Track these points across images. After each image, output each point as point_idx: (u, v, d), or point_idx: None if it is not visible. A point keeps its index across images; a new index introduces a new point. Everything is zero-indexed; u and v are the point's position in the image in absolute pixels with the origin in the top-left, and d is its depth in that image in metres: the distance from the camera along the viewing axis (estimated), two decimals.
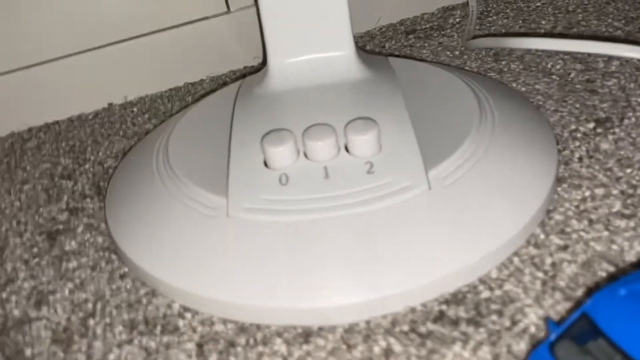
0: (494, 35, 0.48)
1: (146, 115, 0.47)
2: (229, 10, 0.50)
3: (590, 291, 0.28)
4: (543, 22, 0.51)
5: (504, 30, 0.51)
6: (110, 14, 0.47)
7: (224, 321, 0.29)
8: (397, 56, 0.48)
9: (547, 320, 0.24)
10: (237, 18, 0.50)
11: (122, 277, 0.33)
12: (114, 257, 0.34)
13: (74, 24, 0.47)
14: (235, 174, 0.31)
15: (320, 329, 0.28)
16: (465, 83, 0.37)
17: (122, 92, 0.50)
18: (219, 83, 0.50)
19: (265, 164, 0.32)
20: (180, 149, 0.35)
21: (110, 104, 0.49)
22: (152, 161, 0.35)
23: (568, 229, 0.31)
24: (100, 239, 0.35)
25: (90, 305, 0.32)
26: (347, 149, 0.32)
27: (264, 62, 0.39)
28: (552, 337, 0.23)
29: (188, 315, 0.30)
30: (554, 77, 0.43)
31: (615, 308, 0.23)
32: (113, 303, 0.31)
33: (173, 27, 0.49)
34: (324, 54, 0.36)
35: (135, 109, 0.48)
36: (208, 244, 0.30)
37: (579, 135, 0.37)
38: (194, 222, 0.31)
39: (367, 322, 0.28)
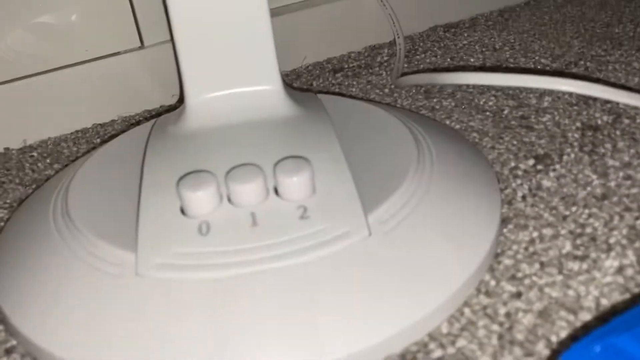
0: (424, 71, 0.46)
1: (47, 160, 0.42)
2: (142, 46, 0.46)
3: (549, 343, 0.25)
4: (472, 59, 0.50)
5: (432, 68, 0.49)
6: (6, 48, 0.42)
7: None
8: (327, 93, 0.46)
9: None
10: (151, 54, 0.46)
11: (9, 352, 0.27)
12: None
13: None
14: (145, 223, 0.27)
15: None
16: (399, 120, 0.35)
17: (21, 135, 0.44)
18: (131, 123, 0.45)
19: (182, 212, 0.28)
20: (82, 196, 0.30)
21: (6, 149, 0.44)
22: (48, 212, 0.30)
23: (519, 274, 0.29)
24: None
25: None
26: (276, 192, 0.28)
27: (182, 99, 0.35)
28: None
29: None
30: (487, 113, 0.42)
31: None
32: None
33: (80, 63, 0.44)
34: (247, 89, 0.33)
35: (35, 154, 0.43)
36: (113, 309, 0.25)
37: (519, 172, 0.35)
38: (96, 283, 0.26)
39: None
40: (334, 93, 0.47)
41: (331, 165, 0.29)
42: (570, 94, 0.42)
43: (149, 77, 0.46)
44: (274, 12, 0.50)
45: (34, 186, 0.40)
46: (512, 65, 0.48)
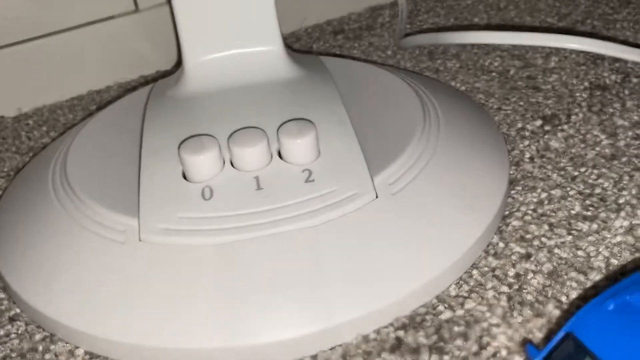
0: (428, 31, 0.45)
1: (44, 128, 0.41)
2: (137, 9, 0.45)
3: (560, 304, 0.25)
4: (476, 19, 0.49)
5: (436, 25, 0.48)
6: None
7: None
8: (329, 55, 0.45)
9: (526, 345, 0.21)
10: (146, 17, 0.44)
11: (13, 320, 0.27)
12: (1, 295, 0.28)
13: None
14: (147, 189, 0.26)
15: None
16: (405, 81, 0.34)
17: (15, 103, 0.43)
18: (127, 89, 0.44)
19: (184, 176, 0.27)
20: (81, 163, 0.30)
21: (1, 117, 0.43)
22: (47, 179, 0.30)
23: (528, 236, 0.28)
24: None
25: None
26: (280, 156, 0.27)
27: (179, 63, 0.34)
28: None
29: None
30: (493, 74, 0.41)
31: (603, 325, 0.20)
32: (1, 353, 0.26)
33: (74, 27, 0.43)
34: (247, 50, 0.32)
35: (30, 122, 0.42)
36: (117, 276, 0.25)
37: (527, 133, 0.35)
38: (99, 249, 0.25)
39: (314, 358, 0.24)
40: (336, 55, 0.46)
41: (336, 127, 0.29)
42: (578, 54, 0.41)
43: (145, 42, 0.44)
44: None
45: (30, 154, 0.39)
46: (517, 25, 0.47)
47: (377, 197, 0.26)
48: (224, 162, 0.27)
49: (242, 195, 0.26)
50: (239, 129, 0.28)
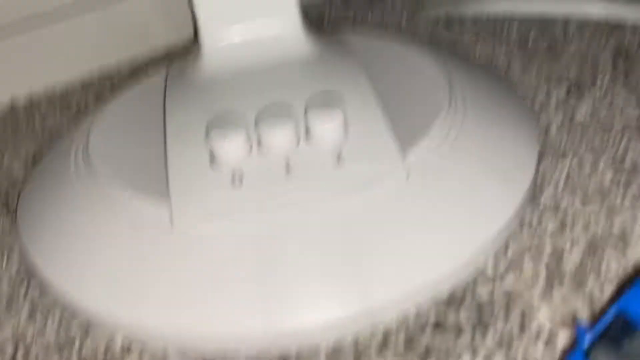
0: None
1: (57, 111, 0.41)
2: None
3: (599, 278, 0.25)
4: None
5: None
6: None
7: (182, 355, 0.24)
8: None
9: (575, 323, 0.20)
10: None
11: (46, 311, 0.27)
12: (33, 285, 0.28)
13: None
14: (176, 176, 0.26)
15: (300, 353, 0.23)
16: (430, 58, 0.33)
17: (27, 86, 0.43)
18: (137, 68, 0.43)
19: (212, 160, 0.27)
20: (105, 149, 0.29)
21: (14, 99, 0.42)
22: (69, 166, 0.29)
23: (563, 205, 0.28)
24: (14, 266, 0.29)
25: (9, 352, 0.25)
26: (309, 133, 0.27)
27: (195, 41, 0.34)
28: (586, 343, 0.19)
29: (135, 351, 0.25)
30: (512, 44, 0.40)
31: None
32: (38, 345, 0.25)
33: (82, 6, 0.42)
34: (266, 29, 0.31)
35: (43, 103, 0.41)
36: (154, 264, 0.24)
37: (552, 102, 0.34)
38: (132, 238, 0.25)
39: (355, 340, 0.24)
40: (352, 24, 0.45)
41: (363, 105, 0.28)
42: (598, 18, 0.40)
43: (157, 19, 0.43)
44: None
45: (46, 139, 0.38)
46: None
47: (408, 175, 0.26)
48: (251, 145, 0.27)
49: (272, 180, 0.25)
50: (265, 106, 0.27)
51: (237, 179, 0.26)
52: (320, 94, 0.28)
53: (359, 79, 0.29)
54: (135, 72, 0.43)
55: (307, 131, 0.27)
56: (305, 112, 0.27)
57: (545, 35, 0.40)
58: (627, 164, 0.30)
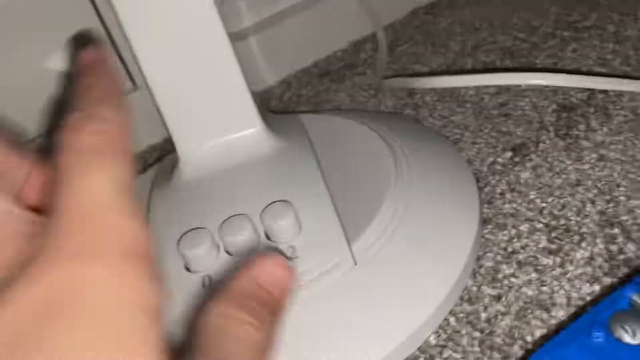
0: (403, 76, 0.48)
1: None
2: (136, 88, 0.49)
3: (525, 343, 0.28)
4: (452, 43, 0.51)
5: (414, 59, 0.51)
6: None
7: None
8: (308, 110, 0.48)
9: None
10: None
11: None
12: None
13: None
14: None
15: None
16: (378, 134, 0.37)
17: None
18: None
19: (187, 268, 0.31)
20: None
21: None
22: None
23: (499, 276, 0.31)
24: None
25: None
26: (267, 236, 0.31)
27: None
28: None
29: None
30: (468, 105, 0.43)
31: None
32: None
33: None
34: (232, 135, 0.35)
35: None
36: None
37: (498, 167, 0.38)
38: None
39: None
40: (317, 104, 0.49)
41: (315, 201, 0.32)
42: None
43: (143, 120, 0.48)
44: (260, 26, 0.52)
45: None
46: (490, 46, 0.49)
47: (355, 263, 0.30)
48: (218, 249, 0.31)
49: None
50: (228, 218, 0.31)
51: (206, 282, 0.30)
52: (276, 200, 0.32)
53: (313, 177, 0.33)
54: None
55: (265, 231, 0.31)
56: (262, 215, 0.31)
57: (500, 93, 0.43)
58: (560, 228, 0.33)
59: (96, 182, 0.18)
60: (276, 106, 0.51)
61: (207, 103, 0.35)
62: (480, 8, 0.55)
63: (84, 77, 0.23)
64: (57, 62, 0.45)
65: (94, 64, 0.24)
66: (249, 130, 0.35)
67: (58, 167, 0.19)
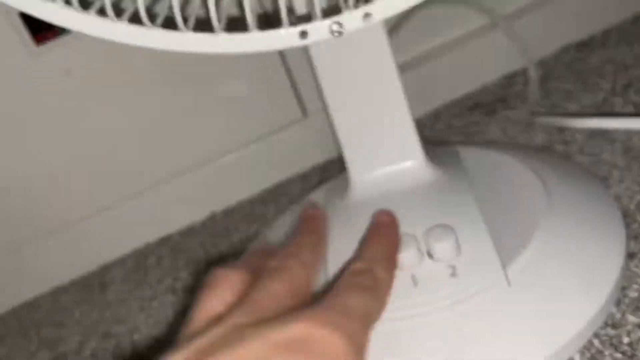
0: (556, 115, 0.51)
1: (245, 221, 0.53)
2: (305, 115, 0.56)
3: None
4: (603, 81, 0.53)
5: (565, 96, 0.53)
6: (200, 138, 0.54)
7: None
8: (459, 141, 0.52)
9: None
10: (313, 122, 0.55)
11: None
12: None
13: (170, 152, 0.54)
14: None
15: None
16: (530, 168, 0.41)
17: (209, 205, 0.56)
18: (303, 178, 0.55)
19: None
20: None
21: (212, 212, 0.56)
22: None
23: None
24: None
25: None
26: (429, 254, 0.36)
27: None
28: None
29: None
30: (617, 144, 0.46)
31: None
32: None
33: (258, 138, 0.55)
34: (398, 164, 0.41)
35: (235, 216, 0.55)
36: None
37: None
38: None
39: None
40: (467, 135, 0.53)
41: (471, 228, 0.36)
42: None
43: (312, 146, 0.55)
44: (415, 60, 0.57)
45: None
46: None
47: (509, 284, 0.34)
48: None
49: (401, 290, 0.35)
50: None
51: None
52: (439, 223, 0.37)
53: (469, 203, 0.38)
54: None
55: (428, 251, 0.36)
56: (426, 236, 0.36)
57: None
58: None
59: None
60: (428, 135, 0.55)
61: (378, 134, 0.40)
62: (631, 47, 0.57)
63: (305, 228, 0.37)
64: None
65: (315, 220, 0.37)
66: (412, 161, 0.41)
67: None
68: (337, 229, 0.40)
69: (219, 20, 0.26)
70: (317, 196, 0.46)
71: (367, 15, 0.28)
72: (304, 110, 0.56)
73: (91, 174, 0.52)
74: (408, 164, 0.41)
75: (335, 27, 0.28)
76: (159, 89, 0.51)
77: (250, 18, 0.26)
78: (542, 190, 0.39)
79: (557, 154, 0.47)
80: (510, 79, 0.59)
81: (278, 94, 0.54)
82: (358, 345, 0.27)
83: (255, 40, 0.27)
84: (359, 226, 0.39)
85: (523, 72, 0.58)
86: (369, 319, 0.30)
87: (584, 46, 0.59)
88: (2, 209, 0.51)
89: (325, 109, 0.40)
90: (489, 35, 0.57)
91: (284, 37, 0.28)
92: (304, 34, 0.28)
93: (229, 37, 0.26)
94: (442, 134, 0.55)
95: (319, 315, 0.27)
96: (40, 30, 0.47)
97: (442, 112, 0.58)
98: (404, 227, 0.37)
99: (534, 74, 0.55)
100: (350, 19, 0.28)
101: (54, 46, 0.47)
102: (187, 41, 0.27)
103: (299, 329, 0.26)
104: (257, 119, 0.55)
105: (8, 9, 0.44)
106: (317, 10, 0.28)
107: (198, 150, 0.54)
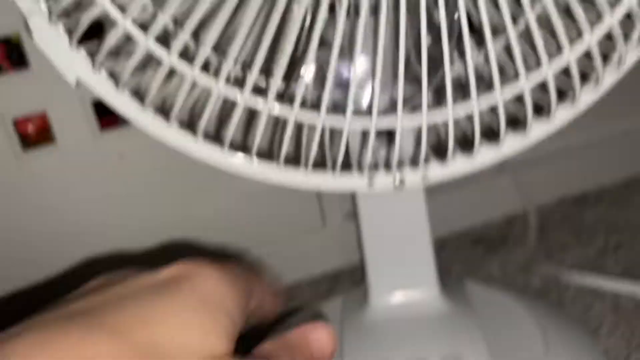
0: (551, 264, 0.56)
1: None
2: (324, 225, 0.60)
3: None
4: (595, 238, 0.59)
5: (560, 247, 0.59)
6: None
7: None
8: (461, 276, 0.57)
9: None
10: (333, 232, 0.60)
11: None
12: None
13: None
14: None
15: None
16: (531, 316, 0.45)
17: None
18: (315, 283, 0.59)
19: None
20: None
21: None
22: None
23: None
24: None
25: None
26: None
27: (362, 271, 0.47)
28: None
29: None
30: (607, 300, 0.51)
31: None
32: None
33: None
34: (414, 291, 0.45)
35: None
36: None
37: None
38: None
39: None
40: (469, 268, 0.58)
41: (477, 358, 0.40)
42: None
43: (329, 256, 0.59)
44: (429, 191, 0.63)
45: None
46: (628, 251, 0.56)
47: None
48: None
49: None
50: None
51: None
52: (447, 352, 0.41)
53: (476, 337, 0.42)
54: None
55: None
56: None
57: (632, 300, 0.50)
58: None
59: None
60: None
61: (402, 262, 0.45)
62: (621, 211, 0.63)
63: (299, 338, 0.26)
64: None
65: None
66: (428, 289, 0.45)
67: None
68: (355, 346, 0.43)
69: (306, 157, 0.31)
70: (334, 305, 0.49)
71: (424, 177, 0.33)
72: (324, 220, 0.60)
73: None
74: (424, 291, 0.45)
75: (398, 182, 0.32)
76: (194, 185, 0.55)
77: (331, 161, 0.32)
78: (541, 339, 0.43)
79: (552, 303, 0.52)
80: (512, 220, 0.64)
81: (304, 200, 0.59)
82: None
83: (330, 180, 0.32)
84: (376, 346, 0.43)
85: (523, 217, 0.63)
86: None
87: (579, 201, 0.65)
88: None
89: (358, 232, 0.45)
90: (497, 178, 0.64)
91: (354, 182, 0.33)
92: (370, 183, 0.33)
93: (314, 174, 0.31)
94: (445, 264, 0.60)
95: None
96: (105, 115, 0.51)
97: (446, 243, 0.63)
98: (418, 352, 0.41)
99: (532, 220, 0.60)
100: (412, 175, 0.33)
101: (113, 132, 0.52)
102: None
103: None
104: (280, 222, 0.59)
105: (83, 95, 0.49)
106: (381, 161, 0.34)
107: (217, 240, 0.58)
